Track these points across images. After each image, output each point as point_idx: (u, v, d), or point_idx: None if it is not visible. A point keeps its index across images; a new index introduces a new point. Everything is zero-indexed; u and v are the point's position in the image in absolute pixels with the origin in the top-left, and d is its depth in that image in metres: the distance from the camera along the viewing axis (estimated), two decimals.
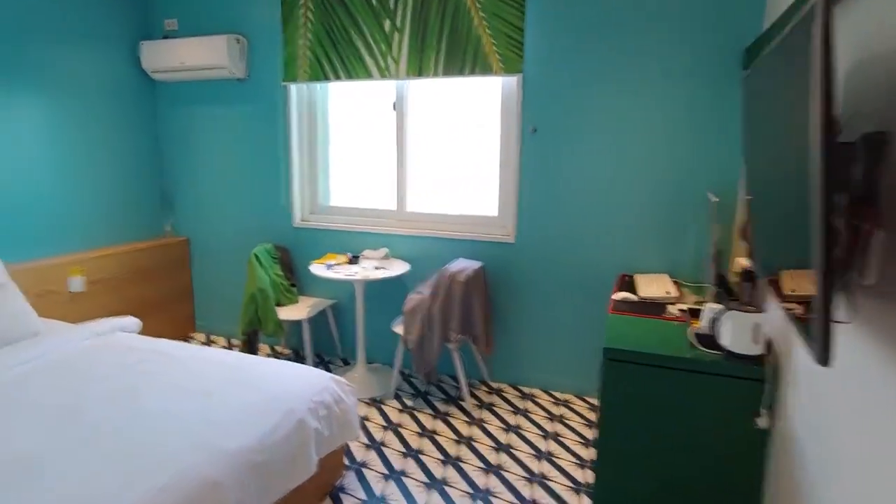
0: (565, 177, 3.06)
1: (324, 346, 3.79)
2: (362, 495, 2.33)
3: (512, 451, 2.69)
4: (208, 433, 1.80)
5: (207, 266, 4.06)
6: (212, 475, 1.65)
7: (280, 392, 2.11)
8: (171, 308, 3.99)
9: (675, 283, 2.74)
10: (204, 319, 4.17)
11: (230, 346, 3.97)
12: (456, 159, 3.42)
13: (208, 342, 4.05)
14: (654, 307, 2.35)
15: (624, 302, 2.44)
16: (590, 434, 2.85)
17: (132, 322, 2.89)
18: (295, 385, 2.18)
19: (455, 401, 3.19)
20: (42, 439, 1.74)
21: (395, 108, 3.41)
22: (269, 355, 3.70)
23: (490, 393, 3.31)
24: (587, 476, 2.48)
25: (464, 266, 2.99)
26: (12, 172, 3.08)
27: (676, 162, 2.86)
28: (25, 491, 1.49)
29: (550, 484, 2.42)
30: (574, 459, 2.62)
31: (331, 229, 3.60)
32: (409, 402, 3.16)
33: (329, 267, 3.17)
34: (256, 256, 3.36)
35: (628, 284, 2.72)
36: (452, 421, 2.97)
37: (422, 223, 3.46)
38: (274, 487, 1.88)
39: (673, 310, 2.30)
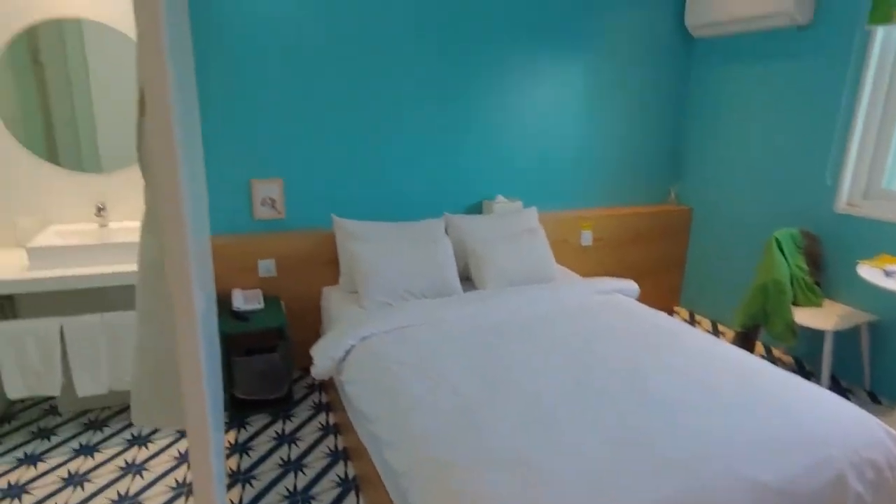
0: None
1: (844, 367, 2.96)
2: None
3: None
4: (719, 446, 1.51)
5: (707, 240, 3.74)
6: (720, 501, 1.36)
7: (813, 427, 1.63)
8: (659, 275, 3.88)
9: None
10: (691, 294, 3.92)
11: (715, 332, 3.60)
12: None
13: (691, 320, 3.79)
14: None
15: None
16: None
17: (632, 287, 2.86)
18: (832, 423, 1.65)
19: None
20: (553, 387, 1.81)
21: None
22: (762, 357, 3.15)
23: None
24: None
25: None
26: (549, 126, 3.44)
27: None
28: (535, 432, 1.55)
29: None
30: None
31: (893, 222, 2.68)
32: None
33: (889, 274, 2.35)
34: (777, 241, 2.81)
35: None
36: None
37: None
38: None
39: None
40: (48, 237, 2.41)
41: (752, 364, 2.01)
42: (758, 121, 3.29)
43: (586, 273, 3.58)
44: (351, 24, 2.83)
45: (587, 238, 3.52)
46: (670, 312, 3.91)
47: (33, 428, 2.46)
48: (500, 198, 3.31)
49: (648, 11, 3.49)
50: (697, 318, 3.83)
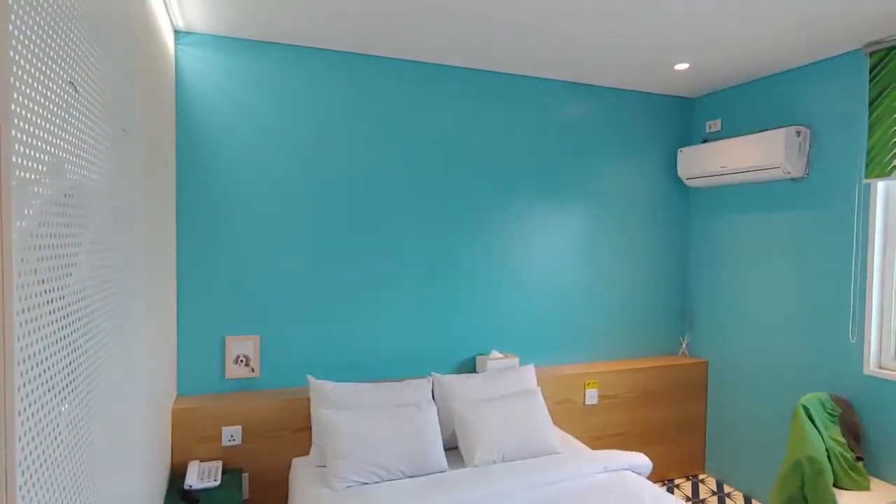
0: None
1: None
2: None
3: None
4: None
5: (728, 398, 3.39)
6: None
7: None
8: (678, 438, 3.47)
9: None
10: (717, 461, 3.47)
11: None
12: None
13: (720, 492, 3.31)
14: None
15: None
16: None
17: (644, 463, 2.49)
18: None
19: None
20: None
21: None
22: None
23: None
24: None
25: None
26: (547, 277, 3.29)
27: None
28: None
29: None
30: None
31: None
32: None
33: None
34: (805, 409, 2.48)
35: None
36: None
37: None
38: None
39: None
40: None
41: None
42: (766, 271, 3.12)
43: (593, 437, 3.22)
44: (334, 175, 2.83)
45: (592, 397, 3.20)
46: (695, 481, 3.44)
47: None
48: (495, 353, 3.08)
49: (643, 161, 3.50)
50: (727, 488, 3.35)
